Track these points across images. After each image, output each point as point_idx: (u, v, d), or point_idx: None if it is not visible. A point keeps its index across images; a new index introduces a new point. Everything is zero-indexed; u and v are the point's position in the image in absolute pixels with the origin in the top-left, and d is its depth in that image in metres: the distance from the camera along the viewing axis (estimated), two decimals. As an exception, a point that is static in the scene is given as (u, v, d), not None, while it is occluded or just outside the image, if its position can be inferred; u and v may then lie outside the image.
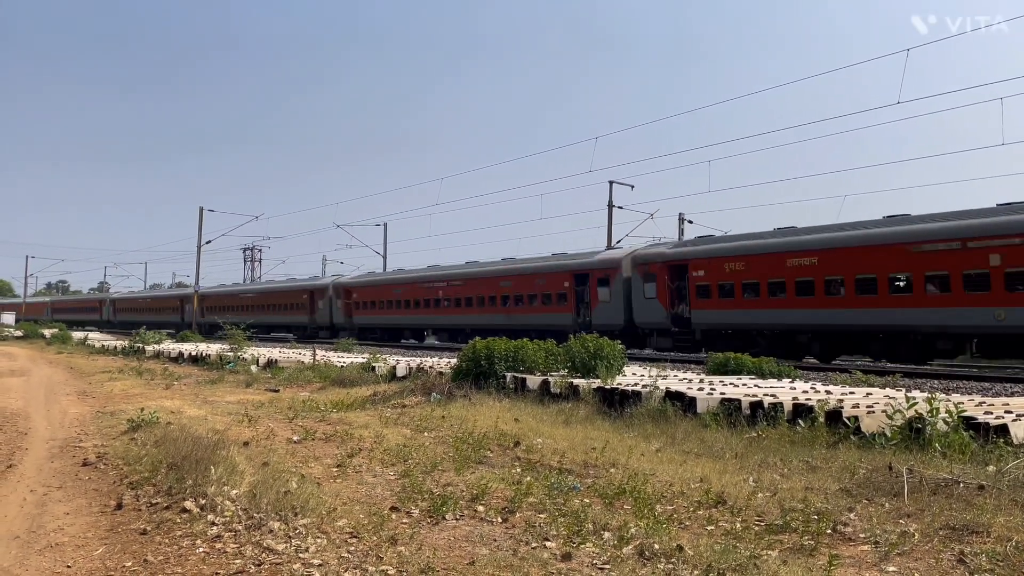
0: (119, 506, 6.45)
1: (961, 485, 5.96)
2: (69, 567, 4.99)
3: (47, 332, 49.28)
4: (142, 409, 11.10)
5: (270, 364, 21.65)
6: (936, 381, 15.53)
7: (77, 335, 46.08)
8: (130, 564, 4.95)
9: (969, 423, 7.71)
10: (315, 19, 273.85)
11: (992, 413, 8.35)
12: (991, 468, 6.48)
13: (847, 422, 8.25)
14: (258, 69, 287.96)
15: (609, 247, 34.44)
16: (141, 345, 31.00)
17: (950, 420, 7.63)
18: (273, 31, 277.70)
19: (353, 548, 5.03)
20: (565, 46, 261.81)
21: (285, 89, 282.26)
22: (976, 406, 9.22)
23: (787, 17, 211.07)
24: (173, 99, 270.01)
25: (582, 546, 4.98)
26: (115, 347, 34.24)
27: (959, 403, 8.84)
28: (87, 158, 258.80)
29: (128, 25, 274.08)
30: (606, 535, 5.19)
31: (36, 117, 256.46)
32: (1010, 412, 8.44)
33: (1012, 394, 13.05)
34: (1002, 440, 7.35)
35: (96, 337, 45.60)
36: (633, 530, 5.20)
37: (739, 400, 9.73)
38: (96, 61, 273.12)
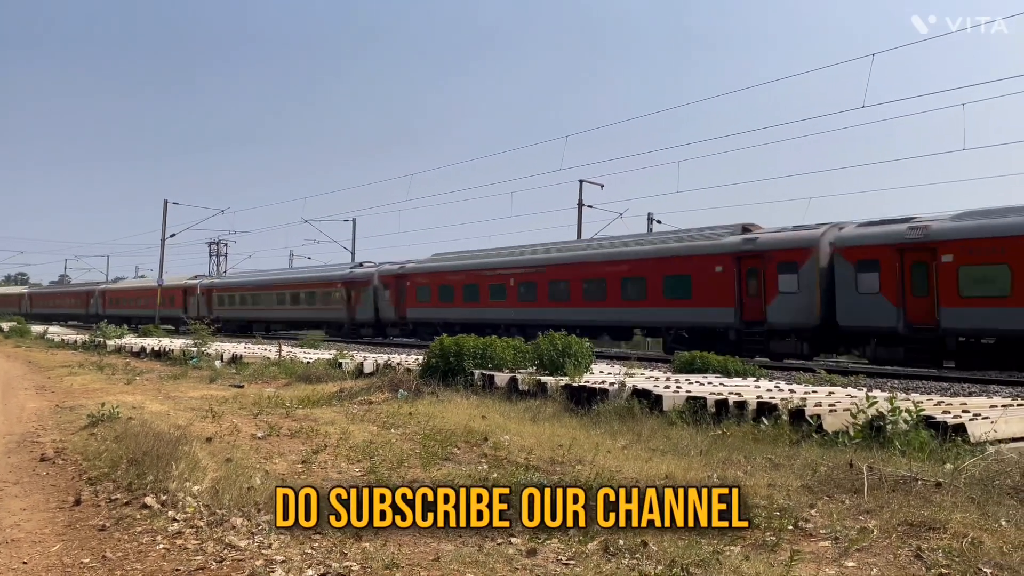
0: (77, 502, 6.32)
1: (919, 482, 6.07)
2: (25, 563, 4.88)
3: (5, 326, 48.31)
4: (102, 404, 10.87)
5: (235, 360, 21.38)
6: (896, 381, 15.86)
7: (36, 328, 45.33)
8: (88, 560, 4.86)
9: (928, 422, 7.86)
10: (300, 18, 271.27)
11: (950, 413, 8.52)
12: (948, 466, 6.61)
13: (810, 420, 8.37)
14: (234, 67, 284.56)
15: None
16: (102, 339, 30.44)
17: (910, 419, 7.77)
18: (251, 29, 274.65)
19: (317, 544, 4.99)
20: (555, 48, 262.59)
21: (265, 89, 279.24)
22: (935, 405, 9.41)
23: (780, 15, 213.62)
24: (142, 95, 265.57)
25: (547, 542, 4.99)
26: (75, 341, 33.62)
27: (918, 402, 9.02)
28: (49, 151, 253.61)
29: (95, 21, 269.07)
30: (571, 531, 5.19)
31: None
32: (967, 412, 8.62)
33: (970, 394, 13.36)
34: (960, 439, 7.51)
35: (56, 331, 44.87)
36: (598, 526, 5.22)
37: (705, 398, 9.82)
38: (61, 56, 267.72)
